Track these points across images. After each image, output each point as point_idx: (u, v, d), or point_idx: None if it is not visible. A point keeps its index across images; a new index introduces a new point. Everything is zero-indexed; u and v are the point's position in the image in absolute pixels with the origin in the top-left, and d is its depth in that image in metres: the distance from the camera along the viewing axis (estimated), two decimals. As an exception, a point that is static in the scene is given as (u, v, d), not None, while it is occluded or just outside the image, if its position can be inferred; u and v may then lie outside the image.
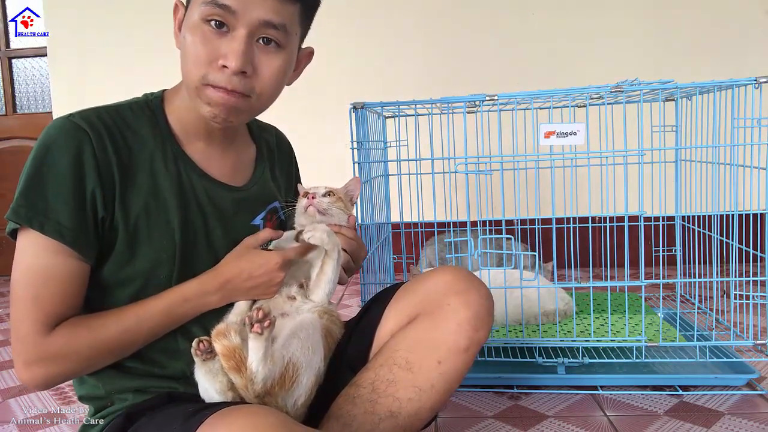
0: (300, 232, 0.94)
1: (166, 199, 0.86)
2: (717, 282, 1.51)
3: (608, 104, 1.45)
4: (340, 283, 0.97)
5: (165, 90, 0.95)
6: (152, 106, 0.91)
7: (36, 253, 0.78)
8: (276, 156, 1.09)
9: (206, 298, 0.86)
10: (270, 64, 0.84)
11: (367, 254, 1.07)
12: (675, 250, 1.80)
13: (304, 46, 0.94)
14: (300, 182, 1.17)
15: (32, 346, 0.78)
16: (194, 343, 0.80)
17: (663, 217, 1.81)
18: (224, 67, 0.81)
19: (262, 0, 0.80)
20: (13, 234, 0.81)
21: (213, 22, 0.81)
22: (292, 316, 0.90)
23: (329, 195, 0.98)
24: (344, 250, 0.97)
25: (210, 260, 0.91)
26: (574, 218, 1.85)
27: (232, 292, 0.88)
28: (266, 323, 0.77)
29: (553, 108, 1.58)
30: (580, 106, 1.55)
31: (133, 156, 0.85)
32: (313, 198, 0.96)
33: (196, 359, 0.81)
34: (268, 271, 0.88)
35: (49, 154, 0.79)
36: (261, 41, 0.83)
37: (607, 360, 1.46)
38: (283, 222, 1.03)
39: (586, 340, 1.47)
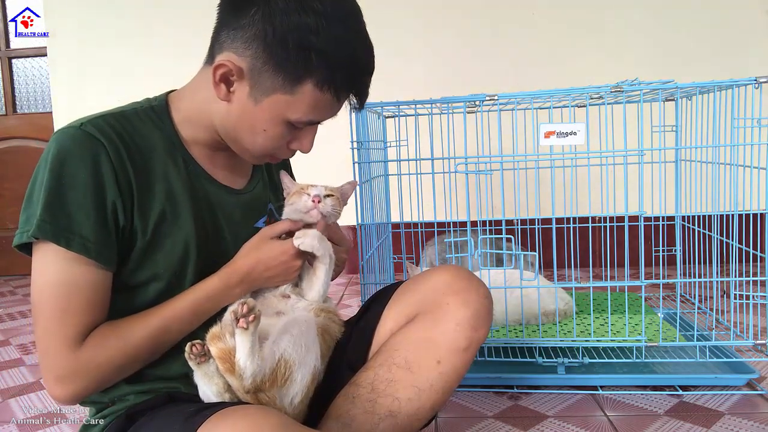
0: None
1: (181, 203, 0.87)
2: (717, 282, 1.51)
3: (608, 104, 1.45)
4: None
5: (168, 94, 0.94)
6: (157, 111, 0.90)
7: (59, 267, 0.78)
8: None
9: (229, 291, 0.88)
10: (313, 136, 0.92)
11: (350, 245, 1.07)
12: (675, 250, 1.80)
13: None
14: (292, 175, 1.17)
15: (64, 361, 0.78)
16: (187, 347, 0.80)
17: (663, 217, 1.81)
18: (295, 149, 0.91)
19: (336, 110, 0.88)
20: (20, 247, 0.80)
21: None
22: (288, 314, 0.90)
23: (330, 197, 0.97)
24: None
25: (221, 262, 0.91)
26: (574, 218, 1.85)
27: (253, 283, 0.91)
28: (251, 318, 0.76)
29: (553, 108, 1.58)
30: (580, 106, 1.55)
31: (147, 162, 0.85)
32: (318, 201, 0.94)
33: (190, 363, 0.81)
34: (285, 261, 0.90)
35: (67, 167, 0.78)
36: None
37: (607, 360, 1.46)
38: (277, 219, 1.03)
39: (586, 340, 1.47)
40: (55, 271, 0.78)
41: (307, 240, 0.90)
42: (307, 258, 0.95)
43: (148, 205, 0.84)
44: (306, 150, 0.91)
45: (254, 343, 0.78)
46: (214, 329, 0.82)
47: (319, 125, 0.90)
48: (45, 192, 0.78)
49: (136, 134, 0.85)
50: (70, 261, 0.78)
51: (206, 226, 0.90)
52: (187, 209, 0.87)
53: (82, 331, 0.79)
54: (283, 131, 0.86)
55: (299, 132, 0.88)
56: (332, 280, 1.00)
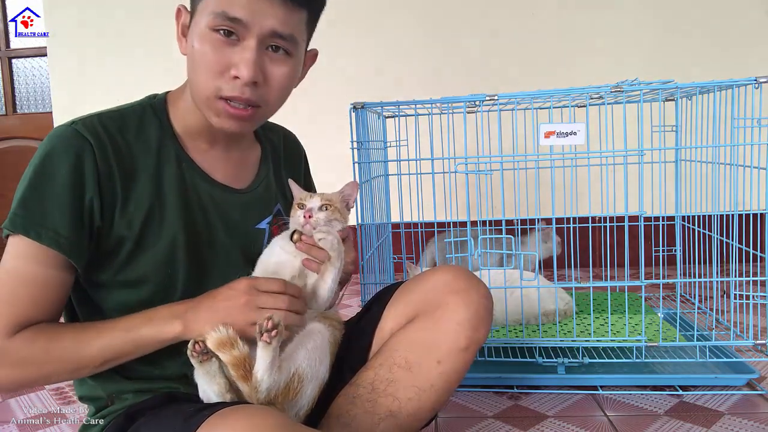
0: (295, 232, 0.93)
1: (170, 203, 0.87)
2: (717, 282, 1.51)
3: (608, 104, 1.45)
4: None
5: (168, 92, 0.94)
6: (155, 108, 0.91)
7: (19, 257, 0.78)
8: (282, 157, 1.08)
9: (168, 323, 0.81)
10: (280, 72, 0.85)
11: (355, 256, 1.04)
12: (675, 250, 1.80)
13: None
14: (311, 183, 1.16)
15: None
16: (190, 345, 0.79)
17: (663, 217, 1.81)
18: (235, 77, 0.81)
19: (272, 11, 0.80)
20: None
21: (222, 32, 0.80)
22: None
23: (326, 208, 0.94)
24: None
25: (215, 262, 0.91)
26: (574, 218, 1.85)
27: (193, 321, 0.81)
28: (273, 333, 0.76)
29: (553, 108, 1.58)
30: (580, 106, 1.55)
31: (136, 162, 0.85)
32: (309, 217, 0.92)
33: (192, 361, 0.80)
34: (231, 296, 0.82)
35: (50, 163, 0.79)
36: (270, 49, 0.83)
37: (607, 360, 1.46)
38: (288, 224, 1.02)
39: (586, 340, 1.47)
40: (14, 260, 0.78)
41: (329, 238, 0.89)
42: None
43: (135, 204, 0.83)
44: (244, 75, 0.80)
45: (275, 358, 0.78)
46: (221, 336, 0.77)
47: (250, 45, 0.80)
48: (24, 187, 0.78)
49: (129, 133, 0.86)
50: (32, 254, 0.78)
51: (197, 226, 0.89)
52: (175, 208, 0.87)
53: (23, 323, 0.78)
54: (211, 48, 0.80)
55: (234, 56, 0.81)
56: (342, 290, 0.99)
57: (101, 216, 0.81)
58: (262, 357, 0.77)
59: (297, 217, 0.94)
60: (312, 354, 0.85)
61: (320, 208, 0.94)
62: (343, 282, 0.99)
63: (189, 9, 0.86)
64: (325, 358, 0.87)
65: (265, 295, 0.83)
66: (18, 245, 0.78)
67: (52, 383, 0.85)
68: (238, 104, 0.83)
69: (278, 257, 0.93)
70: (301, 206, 0.95)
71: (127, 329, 0.81)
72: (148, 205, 0.84)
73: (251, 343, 0.79)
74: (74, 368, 0.81)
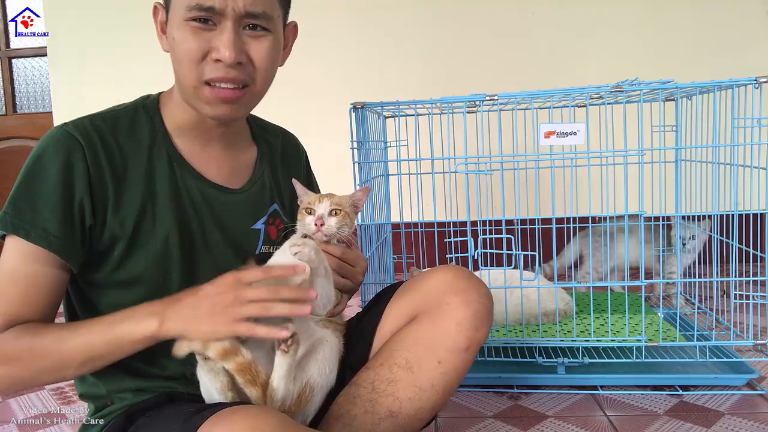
0: (306, 236, 0.93)
1: (162, 202, 0.87)
2: (717, 282, 1.52)
3: (608, 104, 1.45)
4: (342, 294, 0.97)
5: (161, 93, 0.95)
6: (148, 109, 0.91)
7: (10, 256, 0.79)
8: (279, 158, 1.08)
9: (143, 321, 0.76)
10: (261, 48, 0.85)
11: (366, 265, 1.02)
12: (675, 250, 1.80)
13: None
14: (314, 183, 1.16)
15: None
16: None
17: (663, 217, 1.80)
18: (218, 60, 0.82)
19: None
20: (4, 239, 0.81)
21: (198, 20, 0.81)
22: (294, 322, 0.89)
23: (336, 213, 0.93)
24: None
25: (208, 262, 0.91)
26: (574, 218, 1.85)
27: (172, 319, 0.75)
28: (289, 342, 0.77)
29: (553, 108, 1.58)
30: (580, 106, 1.55)
31: (128, 162, 0.85)
32: (321, 224, 0.92)
33: (197, 357, 0.80)
34: (218, 292, 0.75)
35: (40, 163, 0.80)
36: (247, 28, 0.84)
37: (607, 360, 1.46)
38: (287, 225, 1.02)
39: (586, 340, 1.47)
40: (6, 260, 0.79)
41: (305, 250, 0.85)
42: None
43: (127, 204, 0.84)
44: (225, 56, 0.81)
45: (291, 366, 0.79)
46: (225, 345, 0.75)
47: (227, 26, 0.81)
48: (15, 187, 0.80)
49: (121, 134, 0.86)
50: (25, 254, 0.78)
51: (190, 225, 0.89)
52: (168, 207, 0.87)
53: (7, 321, 0.78)
54: (191, 35, 0.81)
55: (213, 40, 0.82)
56: (349, 299, 0.99)
57: (93, 216, 0.81)
58: (279, 366, 0.79)
59: (308, 225, 0.93)
60: (322, 364, 0.86)
61: (330, 214, 0.93)
62: (350, 290, 0.99)
63: (164, 4, 0.87)
64: (334, 367, 0.89)
65: (252, 288, 0.76)
66: (9, 244, 0.79)
67: (43, 384, 0.84)
68: (226, 85, 0.84)
69: (291, 260, 0.92)
70: (309, 211, 0.94)
71: (104, 327, 0.77)
72: (141, 205, 0.85)
73: (245, 342, 0.79)
74: (56, 367, 0.78)
